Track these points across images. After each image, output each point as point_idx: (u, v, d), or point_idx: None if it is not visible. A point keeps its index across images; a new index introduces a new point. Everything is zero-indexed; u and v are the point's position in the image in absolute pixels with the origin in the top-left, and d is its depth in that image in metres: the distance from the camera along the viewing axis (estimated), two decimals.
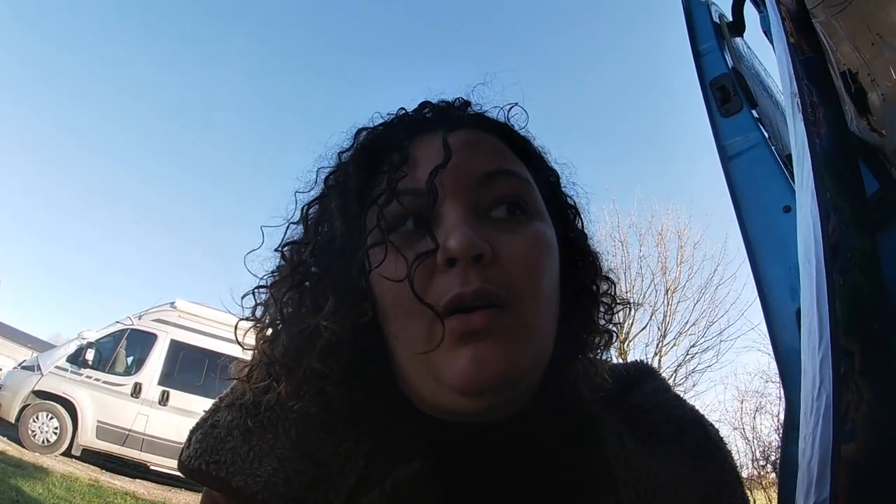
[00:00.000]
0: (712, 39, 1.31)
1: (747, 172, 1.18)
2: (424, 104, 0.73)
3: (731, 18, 1.49)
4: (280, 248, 0.71)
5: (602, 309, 0.73)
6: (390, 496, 0.59)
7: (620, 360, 0.81)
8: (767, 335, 1.06)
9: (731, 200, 1.18)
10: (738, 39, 1.48)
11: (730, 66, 1.28)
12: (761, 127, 1.21)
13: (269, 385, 0.65)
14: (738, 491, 0.70)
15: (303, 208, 0.72)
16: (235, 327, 0.71)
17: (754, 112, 1.23)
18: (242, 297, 0.71)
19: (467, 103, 0.74)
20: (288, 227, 0.72)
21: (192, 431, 0.67)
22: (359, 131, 0.73)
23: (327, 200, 0.69)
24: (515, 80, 0.76)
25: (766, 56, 1.67)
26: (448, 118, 0.70)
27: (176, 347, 10.00)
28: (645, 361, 0.84)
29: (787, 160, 1.20)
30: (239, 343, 0.71)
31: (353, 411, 0.63)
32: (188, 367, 9.91)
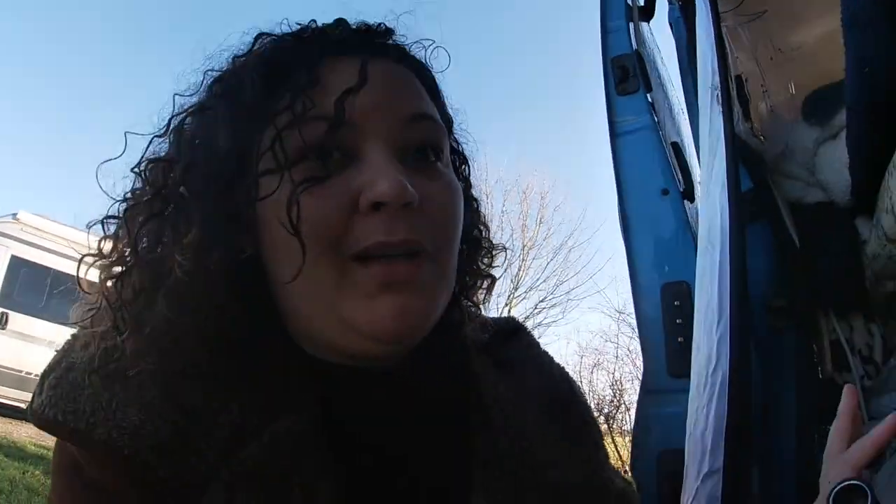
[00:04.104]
0: (622, 19, 1.35)
1: (633, 151, 1.24)
2: (341, 21, 0.65)
3: (642, 3, 1.54)
4: (140, 166, 0.62)
5: (483, 253, 0.74)
6: (269, 450, 0.56)
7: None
8: (632, 306, 1.14)
9: (613, 175, 1.24)
10: (643, 24, 1.53)
11: (634, 47, 1.33)
12: (653, 111, 1.27)
13: (114, 335, 0.57)
14: (600, 442, 0.77)
15: (175, 117, 0.63)
16: (80, 262, 0.62)
17: (648, 96, 1.29)
18: (88, 226, 0.63)
19: (391, 31, 0.67)
20: (151, 142, 0.63)
21: (44, 375, 0.59)
22: (259, 36, 0.64)
23: (212, 112, 0.61)
24: (436, 13, 0.70)
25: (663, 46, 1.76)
26: (369, 43, 0.64)
27: (16, 264, 9.02)
28: (516, 318, 0.86)
29: (672, 148, 1.27)
30: (80, 284, 0.62)
31: (224, 358, 0.58)
32: (30, 286, 8.98)
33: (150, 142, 0.63)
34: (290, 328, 0.62)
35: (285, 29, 0.65)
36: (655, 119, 1.26)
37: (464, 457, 0.66)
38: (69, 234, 9.17)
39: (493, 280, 0.74)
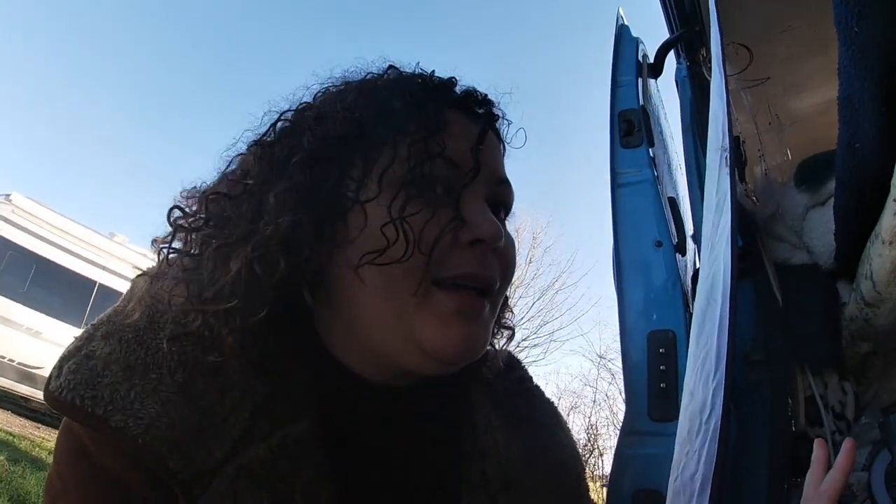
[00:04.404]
0: (632, 75, 1.42)
1: (631, 203, 1.30)
2: (454, 80, 0.74)
3: (651, 60, 1.61)
4: (254, 148, 0.68)
5: (505, 309, 0.80)
6: (276, 452, 0.59)
7: None
8: (619, 350, 1.18)
9: (611, 223, 1.30)
10: (651, 81, 1.60)
11: (640, 103, 1.39)
12: (653, 166, 1.33)
13: (176, 317, 0.62)
14: (582, 476, 0.82)
15: (306, 106, 0.70)
16: (171, 209, 0.67)
17: (650, 151, 1.35)
18: (182, 193, 0.68)
19: (493, 103, 0.76)
20: (277, 122, 0.70)
21: (63, 360, 0.61)
22: (391, 67, 0.73)
23: (356, 114, 0.67)
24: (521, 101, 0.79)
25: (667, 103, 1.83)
26: (480, 108, 0.73)
27: (3, 245, 8.90)
28: (510, 351, 0.90)
29: (668, 202, 1.33)
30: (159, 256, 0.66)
31: (252, 359, 0.62)
32: (14, 270, 8.86)
33: (275, 122, 0.70)
34: (334, 335, 0.68)
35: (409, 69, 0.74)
36: (655, 173, 1.32)
37: (455, 478, 0.70)
38: (61, 222, 9.14)
39: (513, 332, 0.82)
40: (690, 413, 0.95)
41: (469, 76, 0.75)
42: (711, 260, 1.04)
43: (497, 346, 0.81)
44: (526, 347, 14.82)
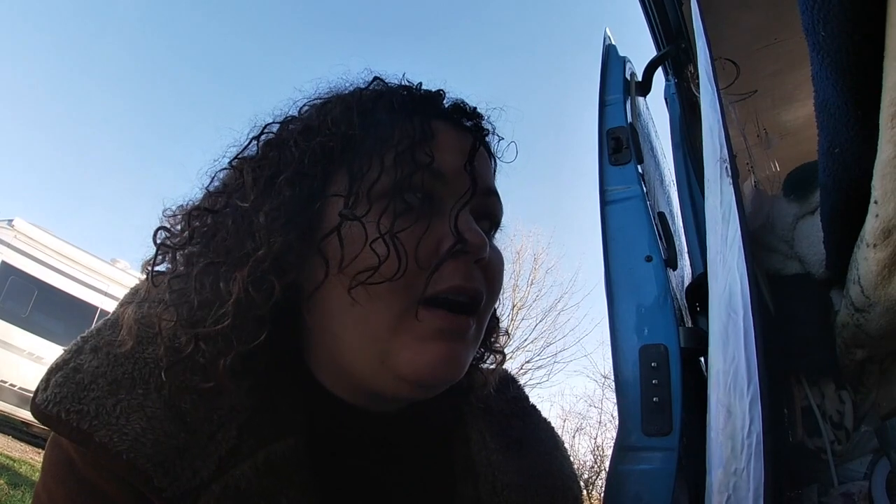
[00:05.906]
0: (620, 93, 1.44)
1: (620, 219, 1.31)
2: (442, 92, 0.73)
3: (640, 78, 1.63)
4: (239, 162, 0.68)
5: (495, 331, 0.80)
6: (262, 471, 0.58)
7: None
8: (611, 366, 1.19)
9: (601, 240, 1.31)
10: (640, 98, 1.62)
11: (628, 120, 1.41)
12: (642, 182, 1.34)
13: (167, 340, 0.60)
14: (579, 499, 0.80)
15: (290, 120, 0.70)
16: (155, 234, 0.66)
17: (639, 168, 1.36)
18: (166, 213, 0.68)
19: (482, 116, 0.75)
20: (262, 132, 0.69)
21: (51, 372, 0.60)
22: (376, 78, 0.72)
23: (341, 124, 0.67)
24: (519, 117, 0.79)
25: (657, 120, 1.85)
26: (468, 122, 0.73)
27: (6, 270, 8.92)
28: (506, 369, 0.90)
29: (659, 217, 1.34)
30: (150, 275, 0.65)
31: (237, 378, 0.61)
32: (15, 295, 8.88)
33: (258, 136, 0.69)
34: (314, 356, 0.66)
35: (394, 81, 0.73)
36: (644, 189, 1.33)
37: (446, 501, 0.69)
38: (63, 248, 9.16)
39: (504, 356, 0.80)
40: (730, 431, 0.94)
41: (471, 98, 0.75)
42: (725, 272, 1.03)
43: (490, 367, 0.79)
44: (529, 370, 14.65)
